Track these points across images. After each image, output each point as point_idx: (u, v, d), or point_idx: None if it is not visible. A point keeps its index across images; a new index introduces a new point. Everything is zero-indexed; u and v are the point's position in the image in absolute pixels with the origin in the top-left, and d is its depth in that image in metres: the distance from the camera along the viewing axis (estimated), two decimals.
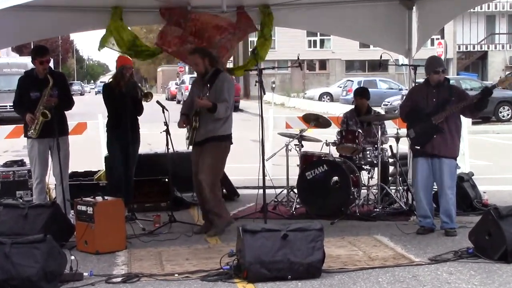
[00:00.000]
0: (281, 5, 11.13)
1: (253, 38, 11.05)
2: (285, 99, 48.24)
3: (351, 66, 65.41)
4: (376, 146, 10.28)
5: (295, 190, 10.32)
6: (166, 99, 56.08)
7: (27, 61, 28.09)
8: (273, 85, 38.03)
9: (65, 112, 9.64)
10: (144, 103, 9.88)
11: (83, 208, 8.03)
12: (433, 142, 8.75)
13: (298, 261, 6.72)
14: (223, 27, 10.71)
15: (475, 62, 63.07)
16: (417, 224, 9.05)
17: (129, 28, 10.78)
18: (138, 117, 9.92)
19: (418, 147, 8.90)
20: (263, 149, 8.56)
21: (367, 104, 10.96)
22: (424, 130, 8.81)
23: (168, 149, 9.35)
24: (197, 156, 8.99)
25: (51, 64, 9.77)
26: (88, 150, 15.73)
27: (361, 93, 11.13)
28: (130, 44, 10.58)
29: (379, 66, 10.95)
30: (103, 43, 10.61)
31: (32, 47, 10.33)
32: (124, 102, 9.51)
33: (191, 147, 9.15)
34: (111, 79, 10.10)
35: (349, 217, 9.79)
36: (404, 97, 9.40)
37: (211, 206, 8.94)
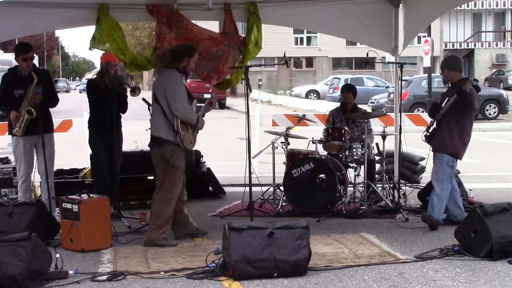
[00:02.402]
0: (268, 2, 11.13)
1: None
2: (271, 96, 48.23)
3: (338, 63, 65.44)
4: (362, 143, 10.28)
5: (281, 188, 10.31)
6: None
7: (11, 58, 27.81)
8: (260, 83, 37.92)
9: (50, 109, 9.60)
10: (129, 100, 9.83)
11: (69, 206, 7.99)
12: (433, 137, 9.03)
13: (284, 259, 6.71)
14: (218, 39, 10.77)
15: (462, 60, 63.25)
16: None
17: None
18: (122, 114, 9.86)
19: (425, 141, 9.22)
20: (249, 147, 8.54)
21: (353, 101, 10.94)
22: (429, 125, 9.17)
23: None
24: None
25: (36, 61, 9.71)
26: (74, 147, 15.66)
27: (349, 88, 11.15)
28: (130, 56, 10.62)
29: (366, 63, 10.93)
30: (93, 45, 10.53)
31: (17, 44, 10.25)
32: (109, 98, 9.44)
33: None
34: (95, 75, 10.03)
35: (335, 214, 9.79)
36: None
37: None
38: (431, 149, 9.17)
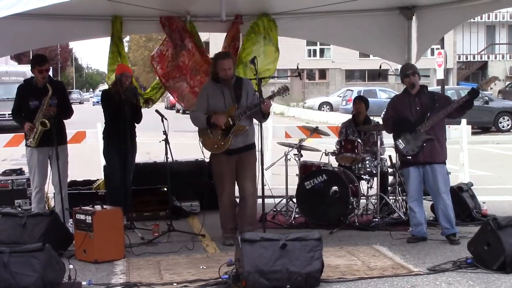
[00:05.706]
0: (281, 14, 11.18)
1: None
2: (284, 108, 48.27)
3: (351, 75, 65.43)
4: (375, 156, 10.27)
5: (294, 200, 10.31)
6: (165, 108, 56.10)
7: (26, 70, 28.04)
8: None
9: (64, 121, 9.65)
10: (143, 111, 9.89)
11: (82, 217, 8.02)
12: (424, 150, 8.79)
13: (297, 270, 6.70)
14: None
15: (475, 72, 63.12)
16: (409, 232, 9.07)
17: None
18: (136, 124, 9.92)
19: (409, 157, 8.90)
20: (262, 159, 8.55)
21: (366, 113, 10.93)
22: (413, 140, 8.83)
23: (167, 158, 9.36)
24: (231, 165, 8.80)
25: (50, 73, 9.78)
26: (87, 159, 15.73)
27: (360, 98, 11.17)
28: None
29: (379, 75, 10.95)
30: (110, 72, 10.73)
31: (31, 55, 10.34)
32: (123, 109, 9.52)
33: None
34: (110, 87, 10.12)
35: (348, 226, 9.78)
36: (386, 109, 9.39)
37: (253, 213, 9.00)
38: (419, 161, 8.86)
